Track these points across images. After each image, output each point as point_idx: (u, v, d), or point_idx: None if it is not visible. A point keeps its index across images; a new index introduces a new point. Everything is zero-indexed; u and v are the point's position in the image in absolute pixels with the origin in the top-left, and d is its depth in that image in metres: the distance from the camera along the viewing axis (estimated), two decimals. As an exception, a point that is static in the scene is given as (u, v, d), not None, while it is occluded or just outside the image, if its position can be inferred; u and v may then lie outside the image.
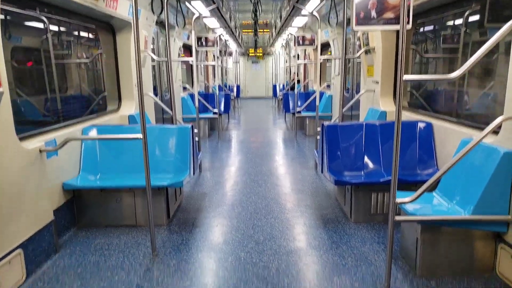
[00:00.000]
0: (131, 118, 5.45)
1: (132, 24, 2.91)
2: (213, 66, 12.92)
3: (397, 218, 2.69)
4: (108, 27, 5.30)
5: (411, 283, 2.86)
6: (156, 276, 3.03)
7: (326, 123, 4.44)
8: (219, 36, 9.94)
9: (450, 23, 4.90)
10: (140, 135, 3.10)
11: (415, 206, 3.06)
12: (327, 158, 4.25)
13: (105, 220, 3.99)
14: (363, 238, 3.66)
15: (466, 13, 4.21)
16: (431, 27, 5.57)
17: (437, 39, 5.59)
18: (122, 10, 4.92)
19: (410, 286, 2.82)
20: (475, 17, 4.18)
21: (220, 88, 10.44)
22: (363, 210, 4.03)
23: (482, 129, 2.82)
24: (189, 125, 4.42)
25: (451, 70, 4.88)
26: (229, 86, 16.29)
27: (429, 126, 4.28)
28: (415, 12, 4.60)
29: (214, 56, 11.50)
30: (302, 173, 6.07)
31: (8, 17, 3.70)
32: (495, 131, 2.93)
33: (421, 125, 4.32)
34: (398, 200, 2.65)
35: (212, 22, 9.45)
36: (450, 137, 3.87)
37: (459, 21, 4.44)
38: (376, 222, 4.01)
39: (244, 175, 6.02)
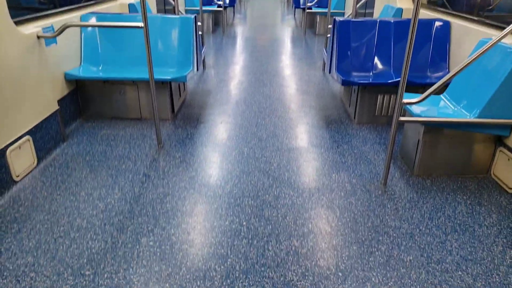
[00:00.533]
0: (131, 7, 5.16)
1: None
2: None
3: (402, 118, 2.68)
4: None
5: (407, 181, 2.98)
6: (162, 166, 3.16)
7: (338, 18, 4.18)
8: None
9: None
10: (141, 24, 2.94)
11: (421, 108, 3.03)
12: (336, 57, 4.10)
13: (110, 112, 4.03)
14: (365, 139, 3.71)
15: None
16: None
17: None
18: None
19: (406, 184, 2.94)
20: None
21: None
22: (367, 112, 4.02)
23: (503, 28, 2.64)
24: (192, 16, 4.18)
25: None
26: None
27: (446, 25, 4.02)
28: None
29: None
30: (309, 74, 5.93)
31: None
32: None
33: (438, 23, 4.06)
34: (405, 100, 2.61)
35: None
36: (468, 38, 3.67)
37: None
38: (379, 124, 4.03)
39: (249, 73, 5.89)
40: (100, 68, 4.02)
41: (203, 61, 6.05)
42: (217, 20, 9.73)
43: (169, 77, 3.79)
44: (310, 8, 8.89)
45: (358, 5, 5.10)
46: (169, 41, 4.19)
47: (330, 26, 4.93)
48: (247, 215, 2.53)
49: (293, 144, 3.59)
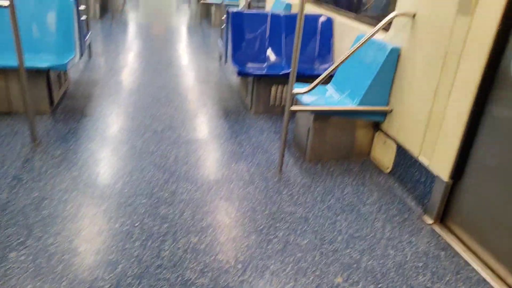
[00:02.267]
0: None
1: None
2: None
3: (293, 108, 2.78)
4: None
5: (300, 167, 3.11)
6: (38, 166, 2.77)
7: (231, 10, 4.16)
8: None
9: None
10: (6, 2, 2.53)
11: (311, 98, 3.18)
12: (232, 48, 4.09)
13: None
14: (261, 128, 3.78)
15: None
16: None
17: None
18: None
19: (299, 169, 3.07)
20: None
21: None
22: (263, 102, 4.09)
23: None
24: (72, -2, 3.76)
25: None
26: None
27: (330, 21, 4.30)
28: None
29: None
30: (206, 64, 5.83)
31: None
32: (386, 29, 3.07)
33: (323, 18, 4.31)
34: (295, 90, 2.70)
35: None
36: (348, 33, 3.97)
37: None
38: (275, 114, 4.14)
39: (142, 62, 5.56)
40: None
41: (89, 48, 5.52)
42: (105, 5, 8.99)
43: (45, 65, 3.35)
44: (205, -3, 8.78)
45: (251, -3, 5.17)
46: (46, 24, 3.71)
47: (224, 17, 4.92)
48: (140, 215, 2.36)
49: (191, 136, 3.49)
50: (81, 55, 3.91)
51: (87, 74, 4.83)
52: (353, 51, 2.75)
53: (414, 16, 2.76)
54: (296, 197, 2.70)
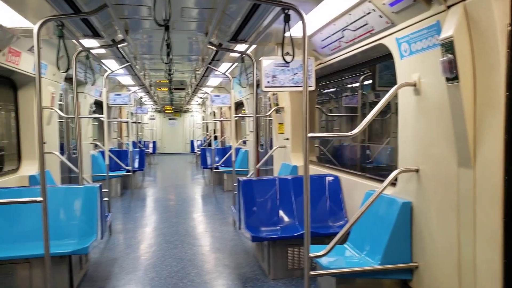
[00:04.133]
0: (32, 179, 4.94)
1: (36, 79, 2.75)
2: (127, 122, 12.56)
3: (312, 273, 2.73)
4: (8, 82, 4.91)
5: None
6: None
7: (241, 178, 4.50)
8: (133, 93, 9.81)
9: (350, 85, 5.50)
10: (40, 198, 2.81)
11: (329, 259, 3.14)
12: (244, 214, 4.26)
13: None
14: (282, 295, 3.62)
15: (362, 77, 4.75)
16: (333, 89, 6.18)
17: (339, 99, 6.19)
18: (25, 65, 4.63)
19: None
20: (369, 81, 4.75)
21: (134, 145, 10.10)
22: (281, 266, 4.03)
23: (382, 181, 3.08)
24: (97, 185, 4.14)
25: (353, 127, 5.41)
26: (144, 143, 15.85)
27: (336, 179, 4.57)
28: (318, 75, 5.09)
29: (128, 112, 11.23)
30: (220, 231, 5.95)
31: None
32: (393, 183, 3.23)
33: (329, 178, 4.60)
34: (312, 254, 2.71)
35: (126, 80, 9.32)
36: (356, 190, 4.17)
37: (356, 84, 5.00)
38: (295, 277, 4.02)
39: (159, 236, 5.70)
40: (-15, 247, 3.55)
41: (109, 227, 5.75)
42: (126, 184, 9.71)
43: (68, 250, 3.47)
44: (217, 168, 9.50)
45: (258, 165, 5.63)
46: (72, 211, 3.99)
47: (236, 184, 5.28)
48: None
49: (209, 312, 3.33)
50: (102, 236, 4.07)
51: (106, 253, 4.92)
52: (365, 209, 2.82)
53: (417, 171, 2.93)
54: None
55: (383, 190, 2.89)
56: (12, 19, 3.58)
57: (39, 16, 3.52)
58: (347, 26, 3.65)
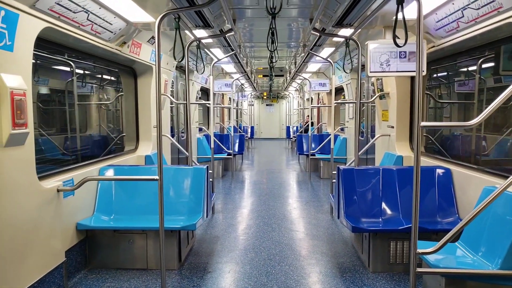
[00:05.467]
0: (148, 158, 5.51)
1: (155, 68, 3.03)
2: (229, 108, 13.17)
3: (419, 270, 2.57)
4: (130, 70, 5.50)
5: None
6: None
7: (342, 166, 4.40)
8: (236, 80, 10.22)
9: (464, 69, 4.94)
10: (156, 177, 3.10)
11: (437, 256, 2.92)
12: (344, 203, 4.17)
13: (116, 263, 3.92)
14: (383, 290, 3.49)
15: (480, 61, 4.23)
16: (445, 73, 5.62)
17: (451, 84, 5.61)
18: (144, 55, 5.13)
19: None
20: (489, 64, 4.21)
21: (235, 129, 10.58)
22: (381, 259, 3.87)
23: (504, 176, 2.74)
24: (205, 167, 4.43)
25: (466, 115, 4.87)
26: (243, 127, 16.49)
27: (448, 172, 4.19)
28: (429, 60, 4.67)
29: (230, 98, 11.76)
30: (317, 218, 5.94)
31: (38, 61, 3.88)
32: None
33: (439, 171, 4.23)
34: (420, 250, 2.54)
35: (229, 67, 9.74)
36: (471, 184, 3.78)
37: (473, 68, 4.47)
38: (396, 272, 3.84)
39: (257, 218, 5.92)
40: (112, 217, 4.08)
41: (212, 206, 6.15)
42: (227, 166, 10.25)
43: (179, 226, 3.81)
44: (313, 154, 9.45)
45: (359, 153, 5.42)
46: (181, 190, 4.35)
47: (334, 172, 5.17)
48: None
49: (307, 297, 3.37)
50: (207, 215, 4.37)
51: (210, 230, 5.28)
52: (484, 207, 2.52)
53: None
54: None
55: (507, 186, 2.55)
56: (134, 14, 3.96)
57: (156, 10, 3.85)
58: (468, 4, 3.27)
